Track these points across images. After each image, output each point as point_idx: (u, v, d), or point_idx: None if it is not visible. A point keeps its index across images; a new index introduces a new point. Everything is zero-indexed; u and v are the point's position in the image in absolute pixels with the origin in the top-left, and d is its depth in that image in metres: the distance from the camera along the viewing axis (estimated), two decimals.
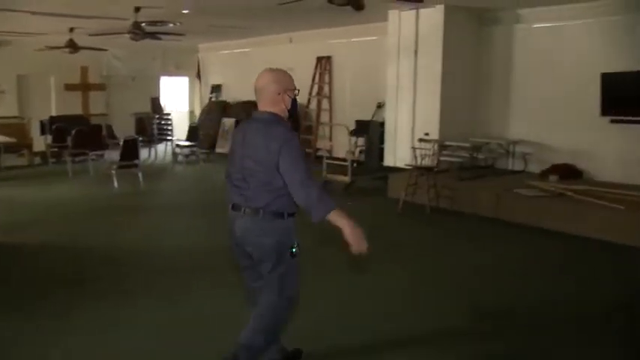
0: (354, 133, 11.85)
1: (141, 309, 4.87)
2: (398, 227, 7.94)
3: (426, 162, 9.00)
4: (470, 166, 9.95)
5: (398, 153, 10.87)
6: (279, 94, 3.29)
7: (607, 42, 9.18)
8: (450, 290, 5.44)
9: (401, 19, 10.59)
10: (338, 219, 3.08)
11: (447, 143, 9.93)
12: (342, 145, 11.96)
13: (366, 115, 12.27)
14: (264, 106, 3.33)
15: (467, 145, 9.94)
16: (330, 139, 13.21)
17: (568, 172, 9.29)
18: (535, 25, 10.03)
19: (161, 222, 8.17)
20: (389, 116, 11.12)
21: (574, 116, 9.52)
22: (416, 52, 10.43)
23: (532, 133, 10.04)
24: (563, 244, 7.05)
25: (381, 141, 11.35)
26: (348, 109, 13.36)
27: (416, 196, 8.66)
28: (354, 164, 10.25)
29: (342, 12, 8.82)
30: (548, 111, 9.83)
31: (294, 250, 3.26)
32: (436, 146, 9.60)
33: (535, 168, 9.91)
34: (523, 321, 4.73)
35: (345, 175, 9.78)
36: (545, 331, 4.49)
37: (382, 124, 11.43)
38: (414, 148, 9.25)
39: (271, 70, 3.37)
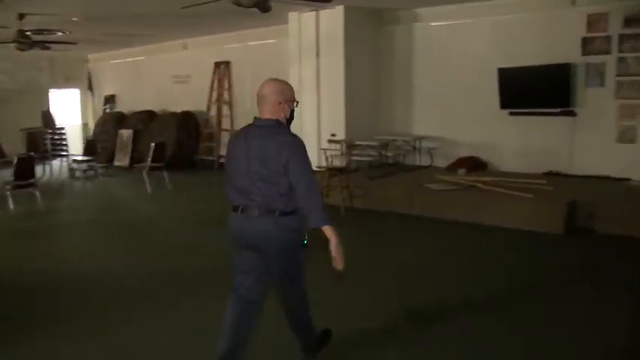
0: None
1: (81, 343, 4.37)
2: (315, 230, 7.81)
3: (337, 163, 8.98)
4: (379, 164, 10.06)
5: None
6: (280, 103, 3.45)
7: (502, 39, 9.55)
8: (378, 290, 5.39)
9: (301, 21, 10.56)
10: (330, 231, 3.37)
11: (357, 143, 9.97)
12: None
13: None
14: (265, 114, 3.47)
15: (374, 143, 10.04)
16: None
17: (474, 165, 9.59)
18: (433, 24, 10.29)
19: (72, 244, 7.59)
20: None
21: (476, 110, 9.85)
22: (318, 53, 10.44)
23: (436, 128, 10.30)
24: (480, 235, 7.22)
25: None
26: (250, 114, 13.03)
27: (329, 197, 8.62)
28: None
29: (241, 16, 8.66)
30: (451, 106, 10.12)
31: (305, 242, 3.51)
32: (345, 146, 9.63)
33: (442, 162, 10.16)
34: (457, 313, 4.76)
35: None
36: (483, 320, 4.54)
37: None
38: (323, 150, 9.22)
39: (275, 80, 3.55)
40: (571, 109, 9.06)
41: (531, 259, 6.30)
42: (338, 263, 3.41)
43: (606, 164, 8.81)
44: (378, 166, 9.97)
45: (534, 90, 9.29)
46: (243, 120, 13.20)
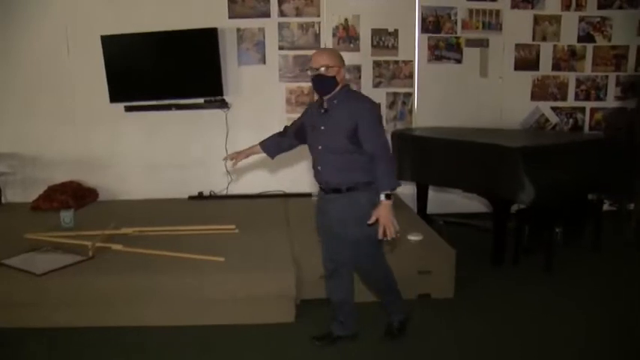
0: None
1: None
2: None
3: None
4: None
5: None
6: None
7: None
8: None
9: None
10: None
11: None
12: None
13: None
14: None
15: None
16: None
17: (74, 195, 5.87)
18: None
19: None
20: None
21: (75, 107, 6.13)
22: None
23: (7, 141, 6.15)
24: (142, 345, 3.67)
25: None
26: None
27: None
28: None
29: None
30: (33, 103, 6.07)
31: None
32: None
33: (22, 196, 6.15)
34: None
35: None
36: None
37: None
38: None
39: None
40: (222, 97, 6.11)
41: None
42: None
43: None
44: None
45: (165, 70, 6.04)
46: None
